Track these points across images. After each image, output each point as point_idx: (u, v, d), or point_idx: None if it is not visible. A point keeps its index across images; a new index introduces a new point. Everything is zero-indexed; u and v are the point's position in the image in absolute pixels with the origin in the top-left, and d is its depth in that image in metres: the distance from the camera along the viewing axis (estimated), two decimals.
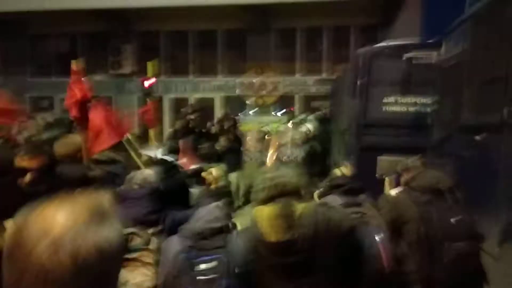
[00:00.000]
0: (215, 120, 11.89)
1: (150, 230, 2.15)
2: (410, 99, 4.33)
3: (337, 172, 2.86)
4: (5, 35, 14.39)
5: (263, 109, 14.05)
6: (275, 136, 7.63)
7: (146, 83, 11.02)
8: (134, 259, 1.98)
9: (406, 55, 4.18)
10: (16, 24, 14.30)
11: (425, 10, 13.40)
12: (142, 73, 13.91)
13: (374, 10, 13.17)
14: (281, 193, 1.88)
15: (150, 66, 11.17)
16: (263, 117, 12.43)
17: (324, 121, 7.88)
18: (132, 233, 2.05)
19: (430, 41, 4.28)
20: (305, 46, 14.45)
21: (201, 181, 3.17)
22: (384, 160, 4.51)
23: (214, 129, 10.49)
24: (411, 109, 4.34)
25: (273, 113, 13.88)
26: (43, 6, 12.50)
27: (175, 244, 1.90)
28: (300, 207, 1.84)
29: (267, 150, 7.50)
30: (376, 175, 3.24)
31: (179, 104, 14.86)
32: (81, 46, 15.25)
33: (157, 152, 8.05)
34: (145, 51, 14.75)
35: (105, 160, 3.55)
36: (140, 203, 2.21)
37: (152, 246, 2.06)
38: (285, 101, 14.48)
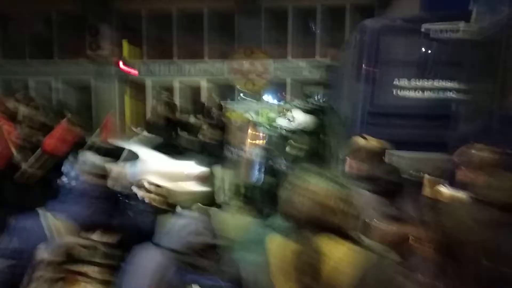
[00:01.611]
0: (201, 106, 11.04)
1: (99, 237, 1.73)
2: (428, 83, 3.55)
3: (359, 142, 2.31)
4: None
5: (255, 96, 13.24)
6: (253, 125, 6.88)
7: (126, 66, 10.08)
8: (77, 274, 1.57)
9: (424, 28, 3.39)
10: None
11: None
12: (122, 56, 13.02)
13: None
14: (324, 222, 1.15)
15: (130, 46, 10.24)
16: (253, 104, 11.64)
17: (317, 111, 7.12)
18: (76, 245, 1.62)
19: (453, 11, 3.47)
20: (297, 28, 13.59)
21: None
22: (395, 157, 3.76)
23: (192, 119, 9.65)
24: (430, 94, 3.55)
25: (265, 100, 13.11)
26: None
27: (156, 257, 1.55)
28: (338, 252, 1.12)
29: (252, 140, 6.77)
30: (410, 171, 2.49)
31: (162, 88, 14.02)
32: (57, 27, 14.18)
33: (130, 143, 7.28)
34: (126, 32, 13.76)
35: None
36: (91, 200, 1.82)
37: (101, 259, 1.62)
38: (277, 86, 13.69)
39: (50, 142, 5.02)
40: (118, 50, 13.39)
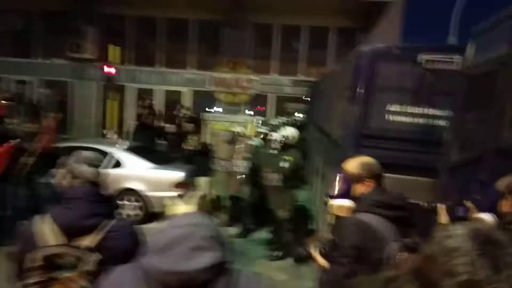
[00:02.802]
0: (179, 116, 11.00)
1: (86, 242, 1.66)
2: (420, 109, 3.71)
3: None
4: None
5: (234, 107, 13.30)
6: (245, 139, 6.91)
7: (107, 69, 9.98)
8: (59, 281, 1.59)
9: (420, 58, 3.57)
10: None
11: (406, 18, 13.26)
12: (103, 59, 12.79)
13: (354, 13, 12.77)
14: None
15: (111, 49, 10.14)
16: (234, 116, 11.68)
17: (301, 127, 7.26)
18: (56, 254, 1.63)
19: (449, 43, 3.66)
20: (281, 45, 13.82)
21: None
22: (385, 178, 3.88)
23: (169, 127, 9.66)
24: (421, 121, 3.71)
25: (244, 112, 13.18)
26: None
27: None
28: None
29: (236, 152, 6.77)
30: (421, 203, 2.55)
31: (142, 95, 13.85)
32: (38, 26, 13.82)
33: (113, 147, 7.15)
34: (108, 35, 13.56)
35: None
36: (78, 204, 1.77)
37: (82, 267, 1.61)
38: (256, 101, 13.81)
39: None
40: (100, 52, 13.18)
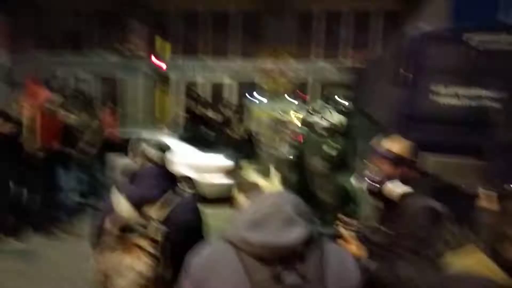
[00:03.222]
0: (225, 106, 11.33)
1: (153, 214, 1.92)
2: (469, 91, 3.69)
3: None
4: (12, 9, 13.76)
5: (277, 95, 13.44)
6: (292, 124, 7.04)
7: (157, 62, 10.43)
8: (131, 243, 1.86)
9: (468, 39, 3.56)
10: None
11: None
12: (152, 53, 13.33)
13: None
14: None
15: (158, 42, 10.58)
16: (278, 104, 11.82)
17: (348, 113, 7.25)
18: (129, 219, 1.90)
19: (497, 23, 3.61)
20: (323, 31, 13.74)
21: None
22: (432, 160, 3.92)
23: (215, 115, 9.97)
24: (470, 102, 3.69)
25: (287, 100, 13.28)
26: None
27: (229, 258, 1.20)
28: None
29: (280, 139, 6.94)
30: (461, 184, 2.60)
31: (187, 86, 14.33)
32: (89, 24, 14.59)
33: (165, 138, 7.55)
34: (156, 31, 14.11)
35: None
36: (146, 180, 2.06)
37: (150, 233, 1.86)
38: (299, 88, 13.87)
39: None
40: (147, 45, 13.76)
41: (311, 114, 7.56)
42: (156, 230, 1.88)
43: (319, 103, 9.02)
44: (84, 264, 2.25)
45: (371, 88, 5.86)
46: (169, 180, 2.14)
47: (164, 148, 2.29)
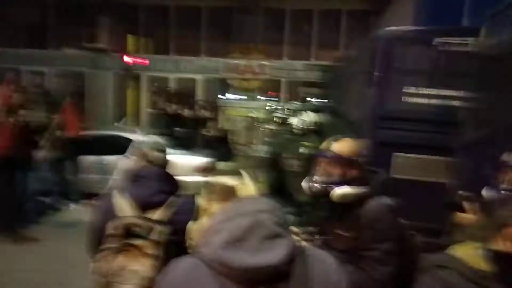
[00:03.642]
0: (197, 104, 11.25)
1: (156, 215, 1.93)
2: (435, 91, 3.84)
3: None
4: None
5: (248, 93, 13.46)
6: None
7: (126, 58, 10.21)
8: (134, 247, 1.85)
9: (436, 41, 3.70)
10: None
11: (418, 0, 13.11)
12: (118, 48, 13.02)
13: None
14: None
15: (130, 40, 10.38)
16: (249, 102, 11.85)
17: (322, 111, 7.36)
18: (133, 223, 1.88)
19: (464, 26, 3.76)
20: (293, 29, 13.86)
21: None
22: (401, 157, 4.05)
23: (186, 112, 9.89)
24: (436, 102, 3.84)
25: (259, 98, 13.33)
26: None
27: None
28: None
29: (255, 138, 6.98)
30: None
31: (157, 83, 14.09)
32: (53, 17, 14.07)
33: (140, 136, 7.41)
34: (122, 25, 13.80)
35: None
36: (149, 183, 2.06)
37: (153, 236, 1.86)
38: (269, 86, 13.94)
39: None
40: (116, 40, 13.44)
41: (287, 114, 7.64)
42: (160, 232, 1.88)
43: (287, 101, 9.16)
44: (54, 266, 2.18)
45: (343, 88, 5.98)
46: (171, 182, 2.15)
47: (164, 150, 2.29)
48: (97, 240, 1.92)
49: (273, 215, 1.07)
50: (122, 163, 6.67)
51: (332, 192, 1.95)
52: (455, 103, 3.82)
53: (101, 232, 1.88)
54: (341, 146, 2.00)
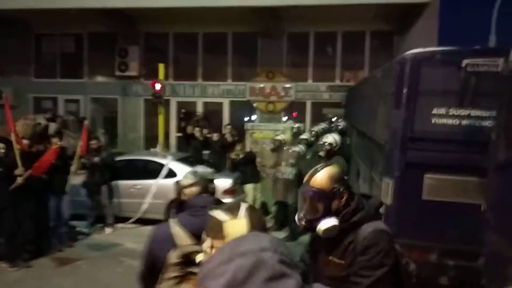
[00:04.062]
0: (224, 127, 11.50)
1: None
2: (464, 111, 3.84)
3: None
4: (10, 34, 13.97)
5: (274, 115, 13.60)
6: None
7: (157, 86, 10.59)
8: (195, 275, 1.77)
9: (464, 62, 3.72)
10: (21, 23, 13.89)
11: (443, 20, 13.10)
12: (148, 75, 13.49)
13: (390, 16, 12.77)
14: None
15: (160, 67, 10.79)
16: (274, 124, 11.96)
17: (342, 133, 7.42)
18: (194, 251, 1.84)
19: (491, 47, 3.77)
20: (317, 52, 14.02)
21: None
22: (432, 179, 4.03)
23: (215, 137, 10.15)
24: (466, 122, 3.84)
25: (283, 121, 13.43)
26: (49, 5, 12.06)
27: None
28: None
29: (282, 159, 7.05)
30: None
31: (186, 108, 14.46)
32: (87, 47, 14.80)
33: (168, 161, 7.61)
34: (152, 53, 14.36)
35: None
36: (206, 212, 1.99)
37: None
38: (294, 108, 14.05)
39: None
40: (144, 67, 13.97)
41: (313, 136, 7.71)
42: None
43: (320, 124, 9.24)
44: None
45: (365, 107, 6.00)
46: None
47: (212, 178, 2.43)
48: (153, 268, 1.95)
49: (276, 253, 0.94)
50: (154, 187, 6.87)
51: (318, 228, 1.97)
52: (485, 123, 3.80)
53: (157, 260, 1.90)
54: (321, 179, 2.01)
